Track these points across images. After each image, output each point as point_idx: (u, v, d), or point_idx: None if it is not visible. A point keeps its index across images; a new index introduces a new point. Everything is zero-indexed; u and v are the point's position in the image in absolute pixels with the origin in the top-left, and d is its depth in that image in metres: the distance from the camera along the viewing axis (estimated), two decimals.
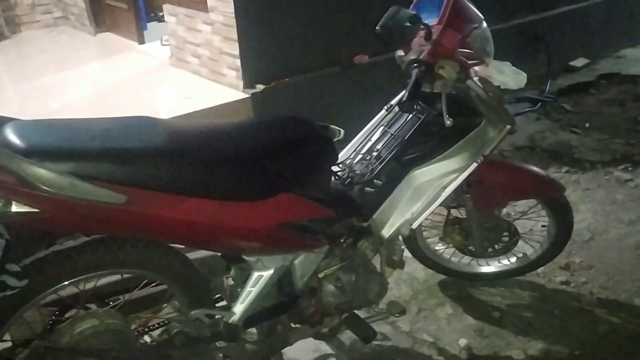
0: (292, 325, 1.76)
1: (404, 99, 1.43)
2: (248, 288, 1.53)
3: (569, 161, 3.48)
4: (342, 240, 1.71)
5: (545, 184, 2.03)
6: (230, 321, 1.51)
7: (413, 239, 2.24)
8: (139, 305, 1.65)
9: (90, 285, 1.49)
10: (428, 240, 2.31)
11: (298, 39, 3.38)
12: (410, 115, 1.79)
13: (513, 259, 2.34)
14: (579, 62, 5.06)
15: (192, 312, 1.48)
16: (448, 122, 1.51)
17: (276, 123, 1.59)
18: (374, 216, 1.74)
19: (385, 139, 1.80)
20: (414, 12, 1.40)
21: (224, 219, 1.36)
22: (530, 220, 2.26)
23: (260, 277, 1.53)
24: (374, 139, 1.84)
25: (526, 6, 4.67)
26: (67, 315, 1.54)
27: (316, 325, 1.74)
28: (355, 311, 1.81)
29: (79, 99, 3.59)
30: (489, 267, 2.36)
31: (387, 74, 3.55)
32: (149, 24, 5.07)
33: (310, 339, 1.89)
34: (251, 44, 3.23)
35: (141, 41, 4.67)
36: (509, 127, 1.76)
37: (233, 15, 3.14)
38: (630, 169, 3.34)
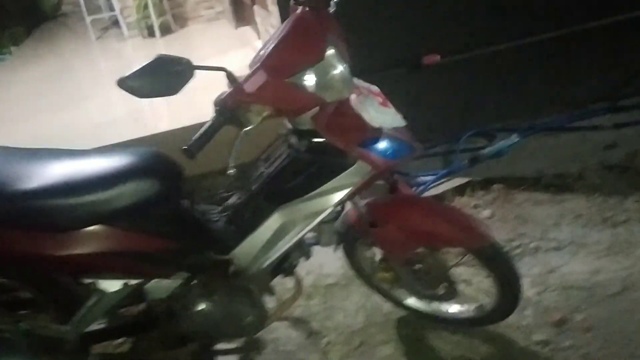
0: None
1: (193, 139, 1.39)
2: (86, 306, 1.68)
3: None
4: (201, 271, 1.75)
5: (465, 232, 1.75)
6: (61, 335, 1.68)
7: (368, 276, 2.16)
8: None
9: None
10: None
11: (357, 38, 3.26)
12: (283, 150, 1.72)
13: (473, 306, 2.07)
14: None
15: (20, 323, 1.69)
16: (230, 172, 1.44)
17: (124, 156, 1.65)
18: (235, 251, 1.73)
19: (258, 173, 1.76)
20: (182, 57, 1.34)
21: (34, 248, 1.51)
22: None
23: (96, 298, 1.67)
24: (252, 172, 1.80)
25: None
26: None
27: (177, 349, 1.81)
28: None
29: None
30: (446, 311, 2.12)
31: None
32: None
33: None
34: None
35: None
36: (373, 171, 1.59)
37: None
38: None
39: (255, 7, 4.04)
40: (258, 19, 4.00)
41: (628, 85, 3.71)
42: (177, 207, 1.70)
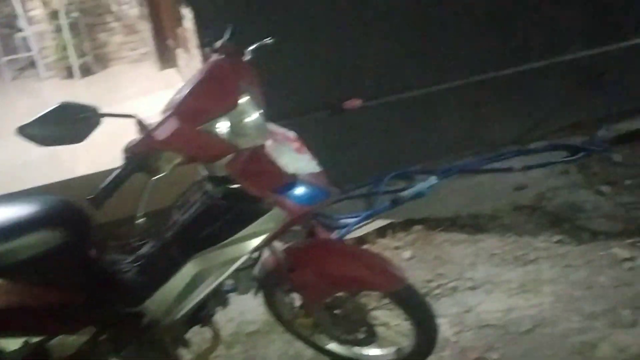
0: None
1: (100, 188, 1.34)
2: None
3: (568, 229, 2.96)
4: (111, 325, 1.67)
5: (380, 276, 1.78)
6: None
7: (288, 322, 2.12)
8: None
9: None
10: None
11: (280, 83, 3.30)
12: (198, 197, 1.69)
13: (392, 350, 2.08)
14: None
15: None
16: (139, 221, 1.40)
17: (27, 205, 1.57)
18: (147, 302, 1.66)
19: (172, 220, 1.72)
20: (89, 104, 1.31)
21: None
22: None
23: None
24: (166, 220, 1.75)
25: (582, 40, 4.09)
26: None
27: None
28: None
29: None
30: (367, 355, 2.12)
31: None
32: None
33: None
34: None
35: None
36: (288, 217, 1.59)
37: None
38: (639, 244, 2.77)
39: (179, 50, 4.02)
40: (181, 62, 3.98)
41: (536, 130, 3.96)
42: (83, 258, 1.63)
